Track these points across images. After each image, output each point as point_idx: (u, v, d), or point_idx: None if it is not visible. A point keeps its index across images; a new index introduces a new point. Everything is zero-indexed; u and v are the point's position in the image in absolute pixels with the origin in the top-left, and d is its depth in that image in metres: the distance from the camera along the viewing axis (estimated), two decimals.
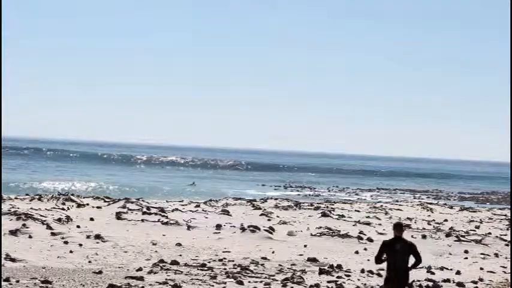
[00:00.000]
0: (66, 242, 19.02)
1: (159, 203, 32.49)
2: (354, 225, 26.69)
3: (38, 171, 65.53)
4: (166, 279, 14.63)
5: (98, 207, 28.20)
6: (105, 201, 30.66)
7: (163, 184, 55.11)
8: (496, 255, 20.91)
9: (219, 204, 33.18)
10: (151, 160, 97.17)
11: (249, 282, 14.76)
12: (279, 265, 17.25)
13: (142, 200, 31.98)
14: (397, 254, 11.30)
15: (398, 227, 11.47)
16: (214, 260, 17.59)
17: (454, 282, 15.91)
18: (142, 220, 24.31)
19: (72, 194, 32.06)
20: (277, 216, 28.55)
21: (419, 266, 11.74)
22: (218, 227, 23.88)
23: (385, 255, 11.39)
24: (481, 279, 16.52)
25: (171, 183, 56.54)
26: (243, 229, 23.08)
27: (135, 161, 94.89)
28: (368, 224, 27.48)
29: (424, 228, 26.65)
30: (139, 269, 15.72)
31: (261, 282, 14.82)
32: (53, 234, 20.24)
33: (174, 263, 16.72)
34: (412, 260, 11.34)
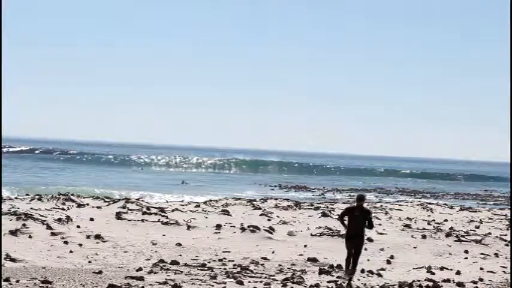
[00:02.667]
0: (66, 242, 19.02)
1: (159, 203, 32.50)
2: None
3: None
4: (166, 279, 14.64)
5: (98, 207, 28.19)
6: (105, 201, 30.66)
7: (155, 184, 55.08)
8: (496, 255, 20.92)
9: (219, 204, 33.17)
10: (130, 161, 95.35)
11: (249, 282, 14.77)
12: (279, 265, 17.26)
13: (142, 200, 31.99)
14: (355, 218, 15.13)
15: (360, 198, 15.42)
16: (214, 260, 17.60)
17: (454, 282, 15.91)
18: (143, 220, 24.32)
19: (72, 194, 32.06)
20: (277, 216, 28.55)
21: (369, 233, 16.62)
22: (218, 227, 23.89)
23: (346, 218, 15.31)
24: (481, 279, 16.53)
25: (161, 183, 56.49)
26: (243, 229, 23.09)
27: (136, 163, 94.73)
28: None
29: (424, 228, 26.65)
30: (139, 269, 15.73)
31: (261, 282, 14.83)
32: (53, 234, 20.25)
33: (174, 263, 16.73)
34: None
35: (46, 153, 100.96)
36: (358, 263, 15.50)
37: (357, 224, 15.12)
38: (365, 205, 16.17)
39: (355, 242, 15.16)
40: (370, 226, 15.30)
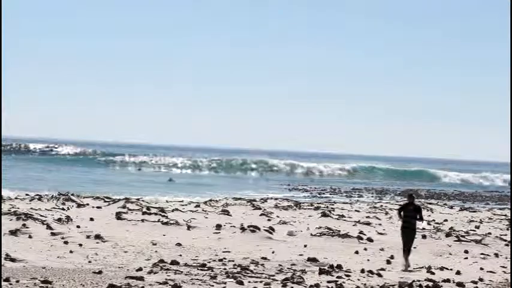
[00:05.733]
0: (66, 242, 19.03)
1: (159, 202, 32.51)
2: (354, 225, 26.71)
3: None
4: (166, 279, 14.64)
5: (98, 207, 28.22)
6: (105, 201, 30.68)
7: (143, 182, 55.06)
8: (496, 255, 20.93)
9: (219, 204, 33.19)
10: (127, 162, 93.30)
11: (249, 282, 14.77)
12: (279, 265, 17.26)
13: (142, 200, 32.00)
14: (409, 213, 18.44)
15: (411, 197, 18.77)
16: (214, 260, 17.60)
17: (454, 282, 15.92)
18: (143, 220, 24.33)
19: (72, 194, 32.08)
20: (277, 216, 28.56)
21: (423, 223, 21.02)
22: (218, 227, 23.89)
23: (402, 213, 18.60)
24: (481, 279, 16.53)
25: (149, 182, 56.45)
26: (243, 229, 23.09)
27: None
28: (368, 224, 27.51)
29: (424, 228, 26.65)
30: (140, 269, 15.73)
31: (261, 282, 14.82)
32: (53, 234, 20.26)
33: (174, 263, 16.73)
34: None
35: (45, 153, 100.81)
36: (358, 264, 15.48)
37: (410, 217, 18.41)
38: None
39: (409, 233, 18.40)
40: (421, 219, 18.63)
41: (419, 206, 18.82)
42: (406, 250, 18.28)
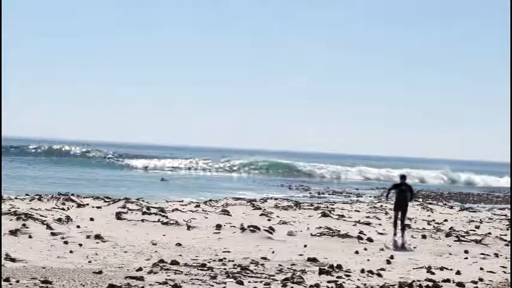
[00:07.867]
0: (66, 242, 19.03)
1: (159, 203, 32.51)
2: (354, 225, 26.72)
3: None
4: (166, 279, 14.65)
5: (98, 207, 28.22)
6: (105, 201, 30.68)
7: (144, 183, 55.10)
8: (496, 255, 20.93)
9: (219, 204, 33.20)
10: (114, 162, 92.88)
11: (249, 282, 14.78)
12: (279, 265, 17.26)
13: (142, 200, 31.99)
14: (402, 191, 21.38)
15: (403, 177, 21.87)
16: (214, 260, 17.60)
17: (454, 282, 15.92)
18: (142, 220, 24.34)
19: (72, 194, 32.09)
20: (277, 216, 28.57)
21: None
22: (218, 227, 23.90)
23: (393, 191, 21.78)
24: (481, 279, 16.54)
25: (140, 182, 56.46)
26: (243, 229, 23.10)
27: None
28: (368, 224, 27.52)
29: (424, 228, 26.69)
30: (139, 269, 15.73)
31: (261, 282, 14.83)
32: (53, 234, 20.27)
33: (174, 263, 16.73)
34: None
35: (44, 153, 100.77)
36: (358, 264, 15.46)
37: (404, 195, 21.42)
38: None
39: (403, 207, 21.39)
40: (412, 197, 21.64)
41: (410, 185, 21.80)
42: (401, 225, 21.29)
